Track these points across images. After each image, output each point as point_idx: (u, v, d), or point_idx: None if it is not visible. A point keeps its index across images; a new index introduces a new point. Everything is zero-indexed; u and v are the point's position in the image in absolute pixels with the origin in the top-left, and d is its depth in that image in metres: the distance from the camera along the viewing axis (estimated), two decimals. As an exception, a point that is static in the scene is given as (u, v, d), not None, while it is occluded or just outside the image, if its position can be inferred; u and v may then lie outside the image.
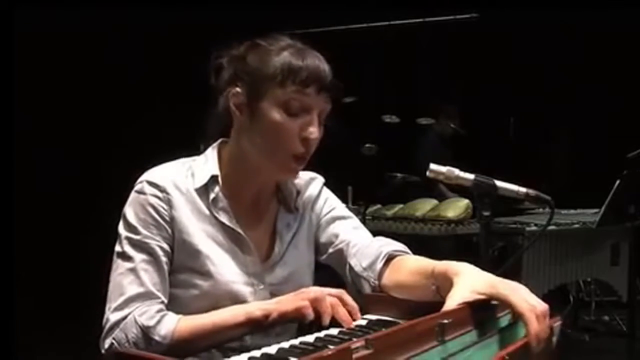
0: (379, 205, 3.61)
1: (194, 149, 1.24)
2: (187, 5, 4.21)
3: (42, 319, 3.64)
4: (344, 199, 1.35)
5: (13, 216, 2.21)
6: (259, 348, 0.86)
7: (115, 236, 1.14)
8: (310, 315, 1.03)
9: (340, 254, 1.24)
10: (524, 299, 0.89)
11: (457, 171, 1.44)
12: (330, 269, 1.28)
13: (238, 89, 1.14)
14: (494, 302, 0.93)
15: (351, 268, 1.19)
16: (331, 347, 0.83)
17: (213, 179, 1.16)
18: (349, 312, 1.04)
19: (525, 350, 0.85)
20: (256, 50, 1.15)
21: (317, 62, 1.12)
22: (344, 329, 0.99)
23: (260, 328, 1.06)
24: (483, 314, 0.91)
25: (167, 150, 1.27)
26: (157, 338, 1.03)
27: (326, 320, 1.01)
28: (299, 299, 1.05)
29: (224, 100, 1.18)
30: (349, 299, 1.06)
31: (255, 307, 1.07)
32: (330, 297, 1.04)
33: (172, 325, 1.05)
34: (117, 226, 1.14)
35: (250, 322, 1.05)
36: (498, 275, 0.97)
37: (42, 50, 4.01)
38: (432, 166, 1.45)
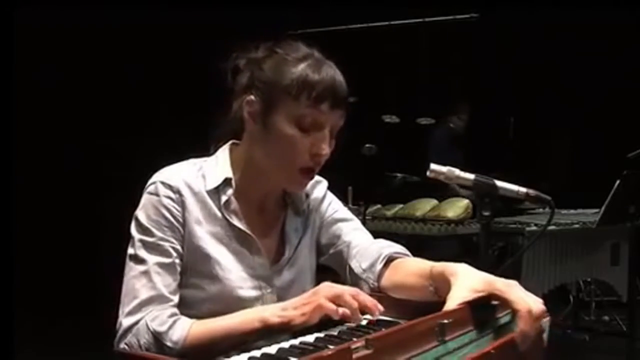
0: (379, 206, 3.60)
1: (199, 150, 1.23)
2: (192, 6, 4.21)
3: (42, 319, 3.64)
4: (344, 199, 1.35)
5: (14, 215, 2.21)
6: (259, 348, 0.86)
7: (117, 237, 1.13)
8: (337, 314, 0.97)
9: (341, 255, 1.24)
10: (521, 296, 0.90)
11: (457, 171, 1.44)
12: (330, 270, 1.28)
13: (253, 97, 1.13)
14: (494, 302, 0.94)
15: (351, 269, 1.20)
16: (331, 347, 0.83)
17: (226, 182, 1.15)
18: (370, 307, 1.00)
19: (513, 346, 0.86)
20: (273, 59, 1.13)
21: (333, 75, 1.10)
22: (344, 329, 0.99)
23: (276, 333, 1.02)
24: (483, 314, 0.91)
25: (172, 150, 1.27)
26: (169, 344, 1.02)
27: (356, 314, 0.97)
28: (317, 300, 0.99)
29: (238, 106, 1.16)
30: (365, 294, 1.02)
31: (270, 314, 1.02)
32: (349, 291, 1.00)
33: (184, 330, 1.03)
34: (119, 227, 1.14)
35: (266, 329, 1.02)
36: (498, 275, 0.97)
37: (44, 50, 4.01)
38: (433, 166, 1.45)
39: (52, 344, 3.45)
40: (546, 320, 0.93)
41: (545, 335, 0.93)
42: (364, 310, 0.99)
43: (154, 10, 4.07)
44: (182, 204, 1.12)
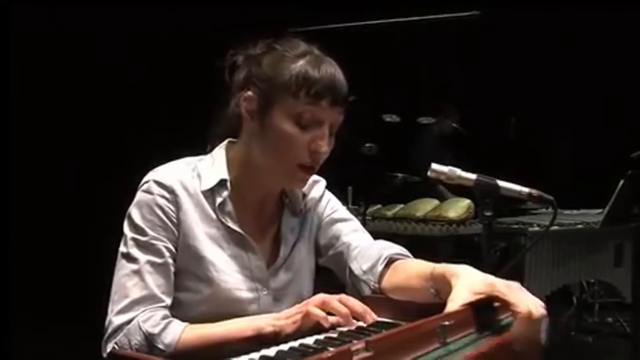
0: (379, 206, 3.59)
1: (200, 150, 1.22)
2: (191, 5, 4.20)
3: (41, 319, 3.63)
4: (344, 199, 1.34)
5: (12, 215, 2.20)
6: (258, 350, 0.85)
7: (115, 236, 1.12)
8: (327, 322, 0.97)
9: (341, 257, 1.23)
10: (522, 298, 0.89)
11: (459, 171, 1.43)
12: (330, 272, 1.26)
13: (250, 93, 1.12)
14: (496, 304, 0.93)
15: (351, 271, 1.18)
16: (331, 349, 0.82)
17: (221, 183, 1.14)
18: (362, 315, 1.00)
19: (509, 346, 0.86)
20: (272, 55, 1.12)
21: (333, 72, 1.09)
22: (344, 331, 0.97)
23: (268, 342, 1.01)
24: (485, 316, 0.90)
25: (172, 151, 1.25)
26: (160, 346, 1.02)
27: (347, 320, 0.97)
28: (307, 309, 1.00)
29: (235, 103, 1.15)
30: (355, 300, 1.01)
31: (265, 323, 1.02)
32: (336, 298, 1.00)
33: (177, 333, 1.03)
34: (116, 225, 1.12)
35: (259, 338, 1.01)
36: (500, 276, 0.97)
37: (43, 52, 4.00)
38: (434, 166, 1.43)
39: (50, 344, 3.44)
40: (544, 320, 0.92)
41: (543, 335, 0.92)
42: (354, 316, 0.98)
43: (154, 10, 4.06)
44: (176, 204, 1.11)
